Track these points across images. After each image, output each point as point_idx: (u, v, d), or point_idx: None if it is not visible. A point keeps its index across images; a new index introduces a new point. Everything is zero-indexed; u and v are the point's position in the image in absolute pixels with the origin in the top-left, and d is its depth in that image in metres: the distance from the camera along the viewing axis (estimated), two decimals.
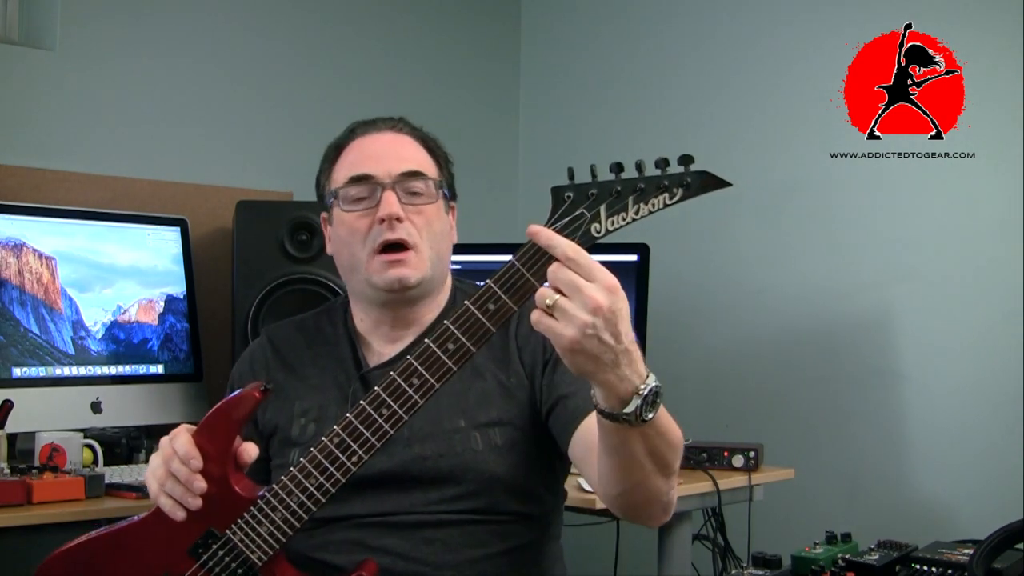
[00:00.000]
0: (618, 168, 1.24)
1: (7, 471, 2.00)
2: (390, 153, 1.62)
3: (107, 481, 2.06)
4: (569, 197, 1.25)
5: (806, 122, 2.92)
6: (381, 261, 1.58)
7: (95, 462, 2.19)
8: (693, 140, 3.13)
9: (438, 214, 1.63)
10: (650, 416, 1.24)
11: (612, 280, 1.19)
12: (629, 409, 1.23)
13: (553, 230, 1.23)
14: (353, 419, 1.36)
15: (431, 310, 1.66)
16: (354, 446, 1.36)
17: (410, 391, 1.32)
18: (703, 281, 3.12)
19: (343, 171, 1.64)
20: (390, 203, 1.58)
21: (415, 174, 1.61)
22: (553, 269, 1.19)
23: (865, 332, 2.82)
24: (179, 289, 2.62)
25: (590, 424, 1.36)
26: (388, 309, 1.64)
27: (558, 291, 1.19)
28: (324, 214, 1.70)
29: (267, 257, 2.51)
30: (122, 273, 2.52)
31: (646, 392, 1.23)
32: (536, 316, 1.20)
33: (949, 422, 2.67)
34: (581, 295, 1.17)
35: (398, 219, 1.57)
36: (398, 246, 1.58)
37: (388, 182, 1.60)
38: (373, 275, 1.59)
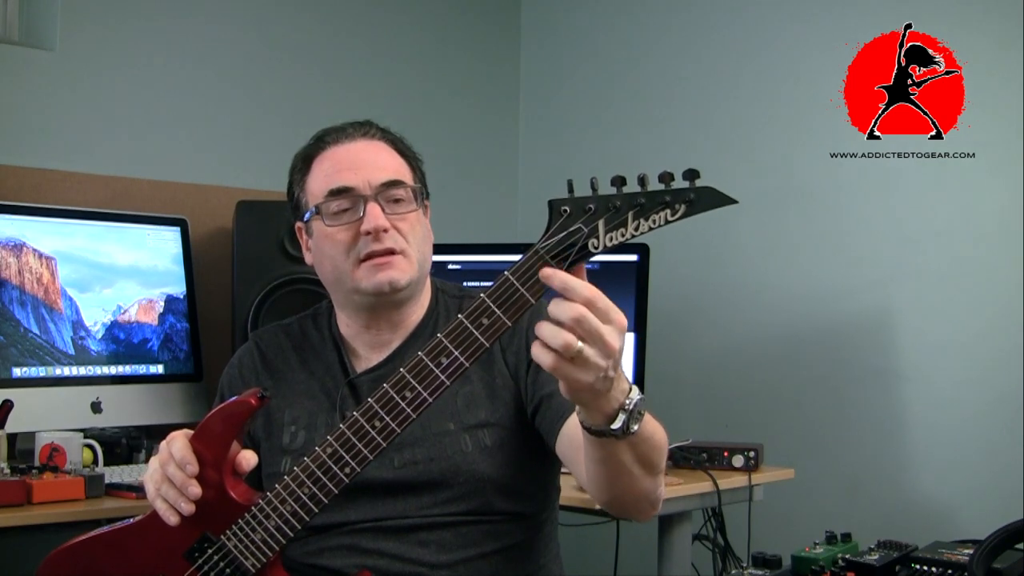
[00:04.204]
0: (620, 182, 1.21)
1: (7, 471, 1.99)
2: (367, 162, 1.60)
3: (107, 481, 2.06)
4: (566, 211, 1.22)
5: (806, 122, 2.92)
6: (368, 266, 1.56)
7: (95, 462, 2.18)
8: (693, 140, 3.13)
9: (419, 219, 1.62)
10: (635, 428, 1.25)
11: (624, 320, 1.19)
12: (616, 425, 1.24)
13: (549, 244, 1.21)
14: (346, 430, 1.35)
15: (415, 312, 1.66)
16: (347, 457, 1.35)
17: (403, 404, 1.31)
18: (703, 281, 3.11)
19: (319, 183, 1.61)
20: (375, 216, 1.55)
21: (396, 183, 1.59)
22: (575, 316, 1.16)
23: (866, 332, 2.82)
24: (179, 289, 2.62)
25: (575, 422, 1.35)
26: (375, 314, 1.62)
27: (577, 335, 1.16)
28: (299, 224, 1.68)
29: (267, 257, 2.51)
30: (122, 273, 2.52)
31: (631, 407, 1.23)
32: (553, 362, 1.17)
33: (949, 422, 2.67)
34: (602, 342, 1.16)
35: (384, 230, 1.56)
36: (384, 252, 1.57)
37: (370, 193, 1.57)
38: (361, 282, 1.57)
